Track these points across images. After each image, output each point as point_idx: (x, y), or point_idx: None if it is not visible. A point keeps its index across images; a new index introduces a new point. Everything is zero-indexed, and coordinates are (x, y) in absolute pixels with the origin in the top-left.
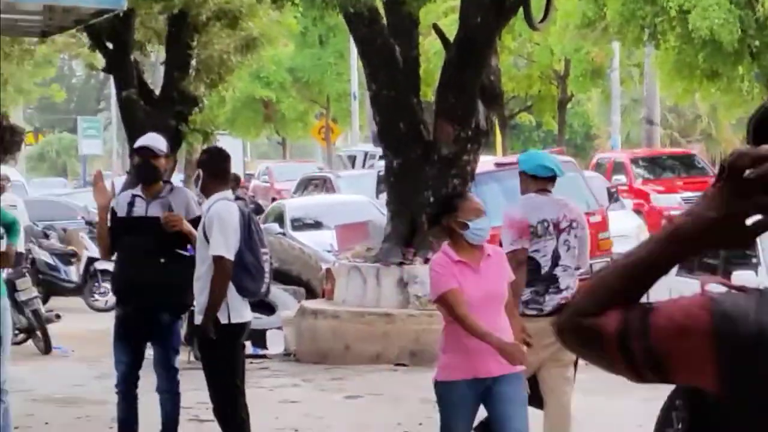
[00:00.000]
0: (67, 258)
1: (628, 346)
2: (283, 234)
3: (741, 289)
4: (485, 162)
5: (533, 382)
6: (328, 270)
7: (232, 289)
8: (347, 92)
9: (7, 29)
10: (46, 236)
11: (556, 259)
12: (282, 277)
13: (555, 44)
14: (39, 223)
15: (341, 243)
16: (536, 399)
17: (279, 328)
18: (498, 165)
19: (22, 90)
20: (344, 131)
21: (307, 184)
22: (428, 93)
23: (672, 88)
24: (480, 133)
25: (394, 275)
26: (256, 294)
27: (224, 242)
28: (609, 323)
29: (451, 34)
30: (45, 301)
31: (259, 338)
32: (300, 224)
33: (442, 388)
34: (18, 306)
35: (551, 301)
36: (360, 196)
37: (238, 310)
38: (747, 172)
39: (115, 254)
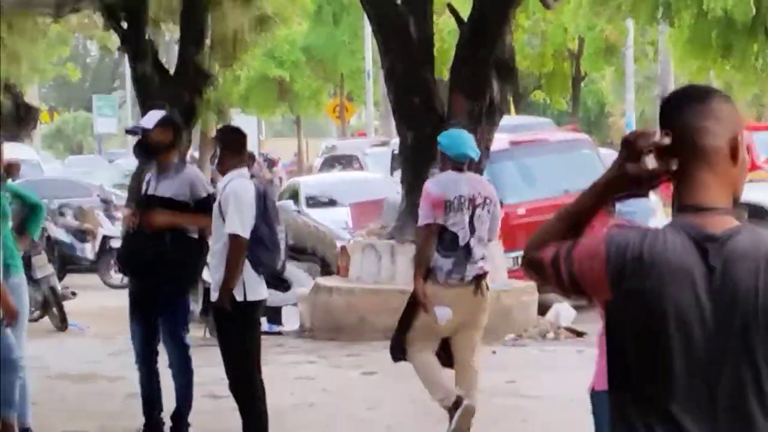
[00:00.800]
0: (83, 235)
1: (558, 269)
2: (298, 212)
3: (634, 227)
4: (500, 139)
5: (445, 342)
6: (343, 247)
7: (247, 266)
8: (361, 70)
9: (21, 5)
10: (62, 214)
11: (471, 231)
12: (297, 254)
13: (569, 22)
14: (55, 201)
15: (356, 220)
16: (448, 358)
17: (294, 304)
18: (512, 143)
19: (36, 69)
20: (359, 109)
21: (333, 162)
22: (443, 71)
23: (686, 66)
24: (494, 109)
25: (409, 252)
26: (272, 268)
27: (240, 220)
28: (547, 254)
29: (465, 13)
30: (61, 278)
31: (275, 315)
32: (315, 202)
33: (600, 398)
34: (34, 283)
35: (471, 270)
36: (375, 174)
37: (254, 287)
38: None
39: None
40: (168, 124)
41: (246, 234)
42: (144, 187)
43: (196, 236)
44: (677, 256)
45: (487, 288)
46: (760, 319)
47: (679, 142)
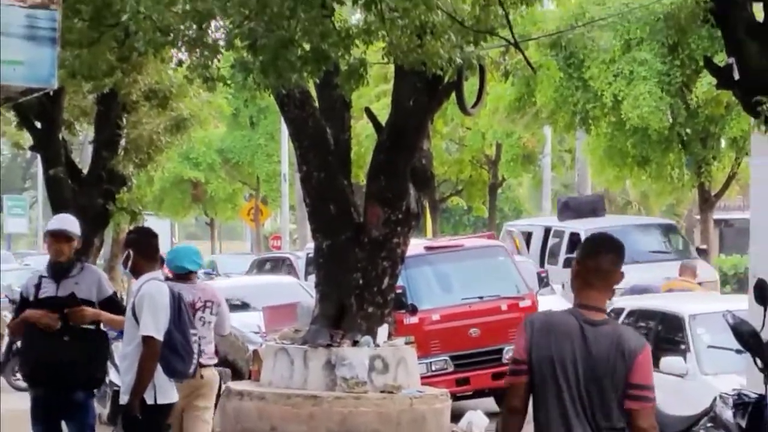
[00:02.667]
0: None
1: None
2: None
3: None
4: (415, 245)
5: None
6: (255, 351)
7: (159, 370)
8: (277, 173)
9: None
10: None
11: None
12: None
13: (486, 128)
14: None
15: (269, 324)
16: None
17: None
18: (428, 248)
19: None
20: (274, 212)
21: (262, 265)
22: (360, 175)
23: (603, 174)
24: (410, 216)
25: (322, 357)
26: (185, 375)
27: (154, 322)
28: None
29: (384, 118)
30: None
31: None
32: (227, 305)
33: None
34: None
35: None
36: (288, 278)
37: (164, 390)
38: None
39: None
40: (79, 232)
41: (160, 336)
42: (33, 291)
43: (92, 328)
44: (568, 329)
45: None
46: (609, 371)
47: (592, 270)
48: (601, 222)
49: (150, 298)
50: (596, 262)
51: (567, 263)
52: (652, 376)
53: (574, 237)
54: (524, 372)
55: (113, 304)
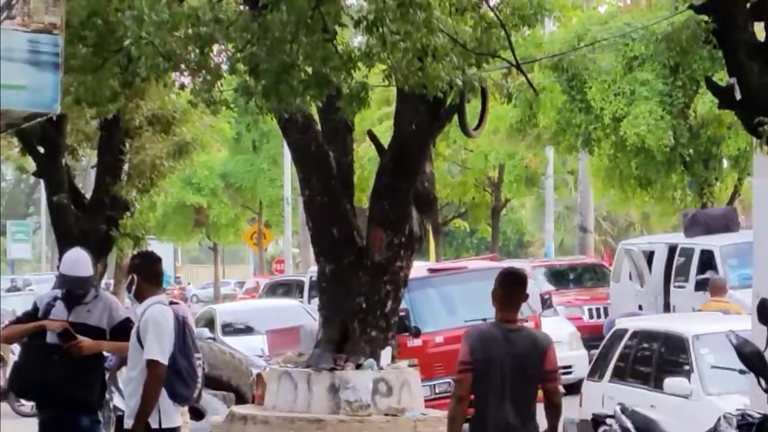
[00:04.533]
0: None
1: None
2: (214, 339)
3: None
4: (418, 268)
5: None
6: (259, 375)
7: (163, 394)
8: (280, 197)
9: None
10: None
11: None
12: (212, 382)
13: (489, 150)
14: None
15: (272, 348)
16: None
17: None
18: (431, 271)
19: None
20: (276, 237)
21: (275, 289)
22: (363, 199)
23: (606, 196)
24: (413, 240)
25: (325, 381)
26: (188, 399)
27: (159, 346)
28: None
29: (386, 140)
30: None
31: None
32: (231, 329)
33: None
34: None
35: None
36: (292, 301)
37: (169, 414)
38: None
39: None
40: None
41: (165, 360)
42: (45, 308)
43: (94, 358)
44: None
45: None
46: (531, 365)
47: (508, 296)
48: (736, 238)
49: (155, 322)
50: (512, 290)
51: (700, 286)
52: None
53: (706, 255)
54: (469, 370)
55: (125, 331)
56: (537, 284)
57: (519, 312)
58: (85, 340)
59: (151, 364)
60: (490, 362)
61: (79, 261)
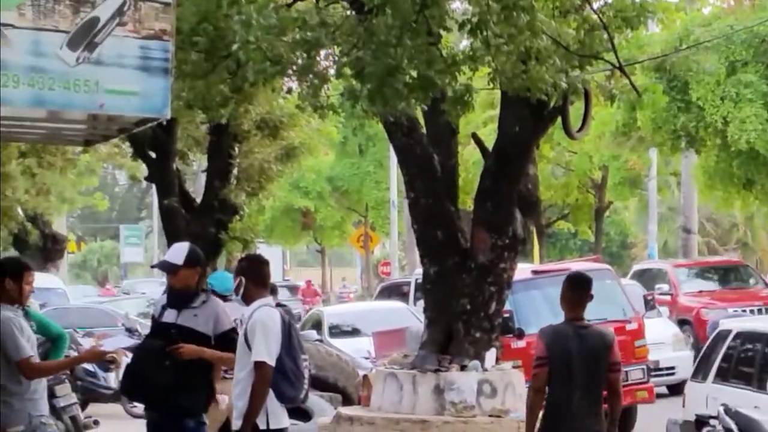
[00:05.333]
0: (106, 364)
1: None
2: (321, 340)
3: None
4: (522, 269)
5: None
6: (365, 376)
7: (270, 395)
8: (386, 200)
9: (51, 138)
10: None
11: None
12: (319, 383)
13: (593, 152)
14: (79, 330)
15: (378, 349)
16: None
17: None
18: (535, 272)
19: (65, 198)
20: (382, 239)
21: (391, 290)
22: (467, 201)
23: (711, 197)
24: (517, 241)
25: (430, 382)
26: (295, 400)
27: (266, 348)
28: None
29: (490, 143)
30: (83, 407)
31: None
32: (338, 331)
33: None
34: (56, 412)
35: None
36: (397, 303)
37: (276, 415)
38: None
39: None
40: (194, 262)
41: (272, 362)
42: (158, 312)
43: (203, 362)
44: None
45: None
46: (601, 359)
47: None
48: None
49: (262, 324)
50: (579, 292)
51: None
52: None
53: None
54: (545, 364)
55: (227, 340)
56: (679, 285)
57: (584, 311)
58: (187, 346)
59: (259, 366)
60: (564, 357)
61: (174, 249)
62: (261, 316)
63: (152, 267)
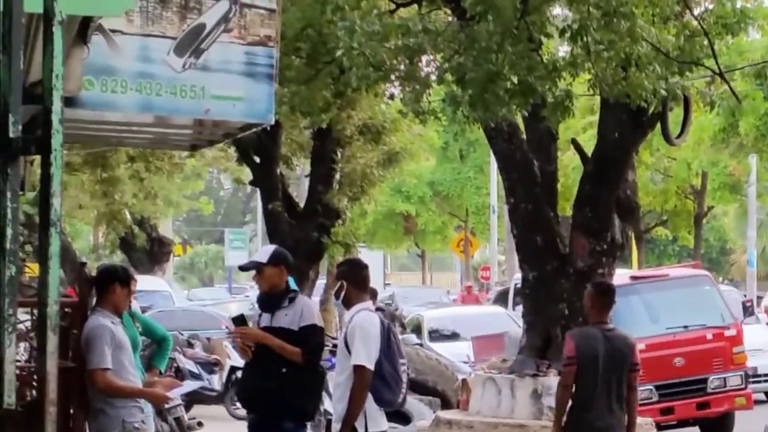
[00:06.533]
0: (211, 366)
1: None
2: (421, 344)
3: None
4: (621, 275)
5: None
6: (464, 380)
7: (369, 399)
8: (486, 205)
9: (158, 142)
10: (191, 345)
11: None
12: (418, 387)
13: (691, 158)
14: (184, 332)
15: (477, 354)
16: None
17: None
18: (633, 278)
19: (171, 202)
20: (482, 244)
21: (505, 295)
22: (566, 207)
23: None
24: (615, 247)
25: (529, 387)
26: (393, 404)
27: (366, 352)
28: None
29: (590, 149)
30: (188, 408)
31: None
32: (437, 335)
33: None
34: (161, 413)
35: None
36: (497, 308)
37: (375, 419)
38: None
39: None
40: (279, 260)
41: (371, 366)
42: (257, 319)
43: (312, 369)
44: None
45: None
46: (625, 359)
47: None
48: None
49: (361, 328)
50: (605, 298)
51: None
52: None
53: None
54: (574, 363)
55: (303, 334)
56: None
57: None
58: (249, 330)
59: (358, 370)
60: (591, 356)
61: (261, 249)
62: (360, 321)
63: (240, 268)
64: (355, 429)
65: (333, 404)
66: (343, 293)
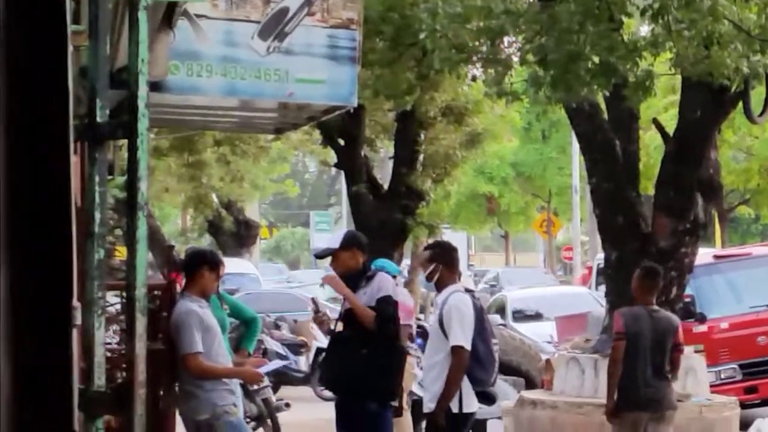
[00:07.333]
0: (297, 348)
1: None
2: (505, 325)
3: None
4: (704, 254)
5: None
6: (548, 361)
7: (464, 379)
8: (568, 186)
9: (243, 126)
10: (278, 327)
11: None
12: (502, 367)
13: None
14: (271, 314)
15: (561, 334)
16: None
17: (499, 418)
18: (716, 257)
19: (257, 186)
20: (565, 225)
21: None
22: (648, 187)
23: None
24: (698, 226)
25: None
26: (487, 383)
27: (463, 333)
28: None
29: (671, 128)
30: (275, 390)
31: (479, 428)
32: (521, 315)
33: None
34: (249, 394)
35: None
36: (580, 288)
37: (469, 399)
38: None
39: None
40: (351, 244)
41: (469, 346)
42: (341, 303)
43: (393, 349)
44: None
45: None
46: (668, 338)
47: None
48: None
49: (457, 310)
50: (650, 281)
51: None
52: None
53: None
54: (623, 339)
55: (380, 305)
56: None
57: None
58: (330, 276)
59: (457, 351)
60: (638, 334)
61: (333, 235)
62: (456, 302)
63: (315, 256)
64: (449, 410)
65: (426, 385)
66: (437, 275)
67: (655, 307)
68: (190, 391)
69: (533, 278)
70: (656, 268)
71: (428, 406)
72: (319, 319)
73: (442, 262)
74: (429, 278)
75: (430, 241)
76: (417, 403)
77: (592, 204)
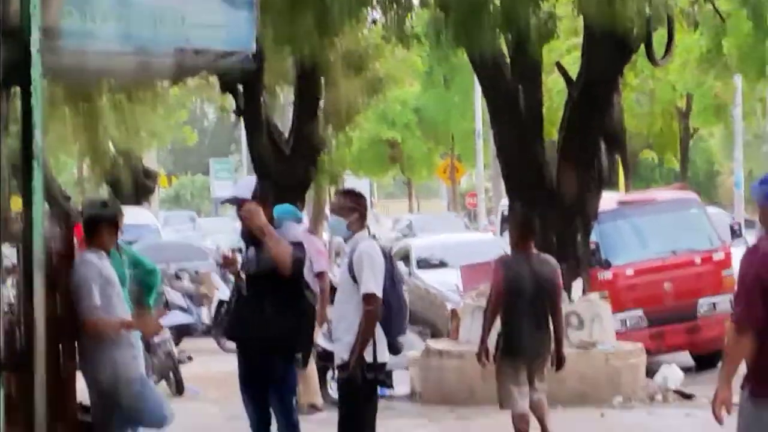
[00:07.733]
0: (199, 299)
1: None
2: (409, 274)
3: None
4: (608, 199)
5: None
6: (454, 310)
7: (378, 328)
8: (472, 131)
9: (139, 72)
10: (179, 278)
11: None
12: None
13: (676, 80)
14: (172, 265)
15: (466, 283)
16: None
17: (405, 368)
18: (621, 203)
19: (155, 134)
20: (468, 171)
21: None
22: (552, 132)
23: None
24: (602, 173)
25: None
26: (401, 331)
27: (375, 280)
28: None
29: (574, 72)
30: (177, 342)
31: (386, 378)
32: (425, 264)
33: None
34: (151, 348)
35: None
36: (486, 235)
37: (383, 348)
38: None
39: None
40: (261, 194)
41: (380, 294)
42: (245, 254)
43: (300, 303)
44: None
45: None
46: (549, 283)
47: None
48: None
49: (369, 257)
50: (530, 228)
51: None
52: None
53: None
54: (502, 288)
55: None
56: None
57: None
58: (257, 214)
59: (368, 298)
60: (517, 281)
61: (241, 183)
62: (366, 249)
63: (222, 202)
64: (363, 359)
65: (338, 336)
66: (356, 224)
67: (533, 252)
68: (89, 348)
69: (446, 225)
70: (529, 214)
71: (341, 357)
72: (230, 261)
73: (359, 211)
74: (349, 228)
75: (332, 189)
76: (320, 355)
77: (496, 152)
